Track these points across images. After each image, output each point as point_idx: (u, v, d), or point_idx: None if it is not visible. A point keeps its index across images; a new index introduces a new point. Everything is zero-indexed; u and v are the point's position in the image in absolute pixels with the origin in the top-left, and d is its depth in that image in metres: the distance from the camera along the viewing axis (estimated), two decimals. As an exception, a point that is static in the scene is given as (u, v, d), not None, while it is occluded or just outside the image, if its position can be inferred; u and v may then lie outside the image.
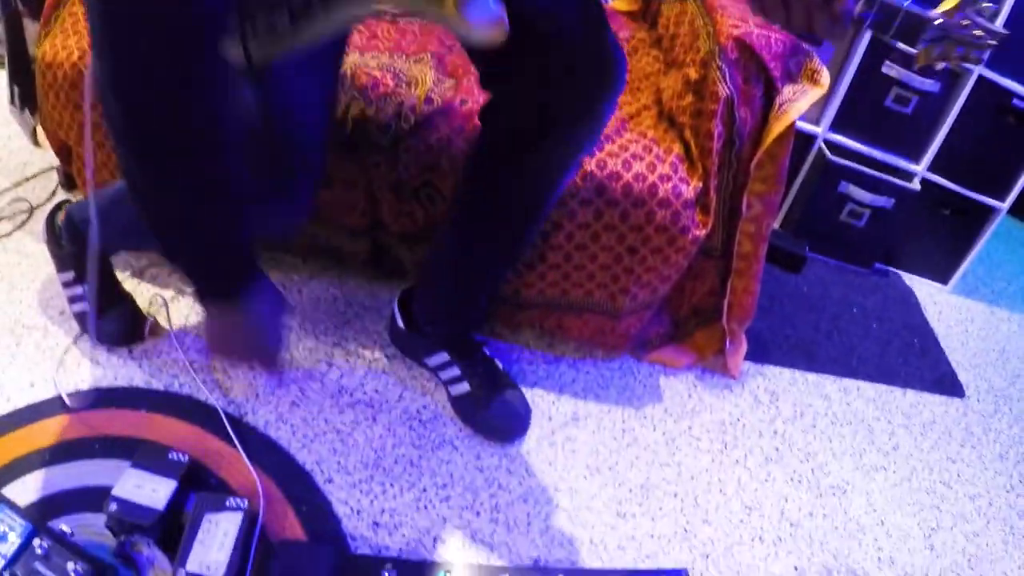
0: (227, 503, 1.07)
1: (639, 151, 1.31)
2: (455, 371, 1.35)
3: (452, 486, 1.25)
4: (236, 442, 1.22)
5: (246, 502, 1.08)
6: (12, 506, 1.03)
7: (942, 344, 1.96)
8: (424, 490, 1.23)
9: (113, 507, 1.04)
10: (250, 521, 1.07)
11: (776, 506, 1.38)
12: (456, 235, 1.27)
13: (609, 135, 1.33)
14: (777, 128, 1.33)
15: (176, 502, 1.08)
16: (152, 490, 1.07)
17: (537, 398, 1.44)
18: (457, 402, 1.36)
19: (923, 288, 2.17)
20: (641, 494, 1.34)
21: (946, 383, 1.82)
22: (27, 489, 1.10)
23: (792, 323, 1.88)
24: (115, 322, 1.32)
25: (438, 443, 1.32)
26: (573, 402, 1.47)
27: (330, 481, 1.20)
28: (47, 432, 1.19)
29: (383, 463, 1.26)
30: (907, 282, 2.19)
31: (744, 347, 1.61)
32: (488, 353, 1.39)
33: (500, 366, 1.39)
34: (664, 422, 1.49)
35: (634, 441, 1.43)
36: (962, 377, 1.86)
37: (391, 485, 1.23)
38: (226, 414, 1.26)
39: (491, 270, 1.30)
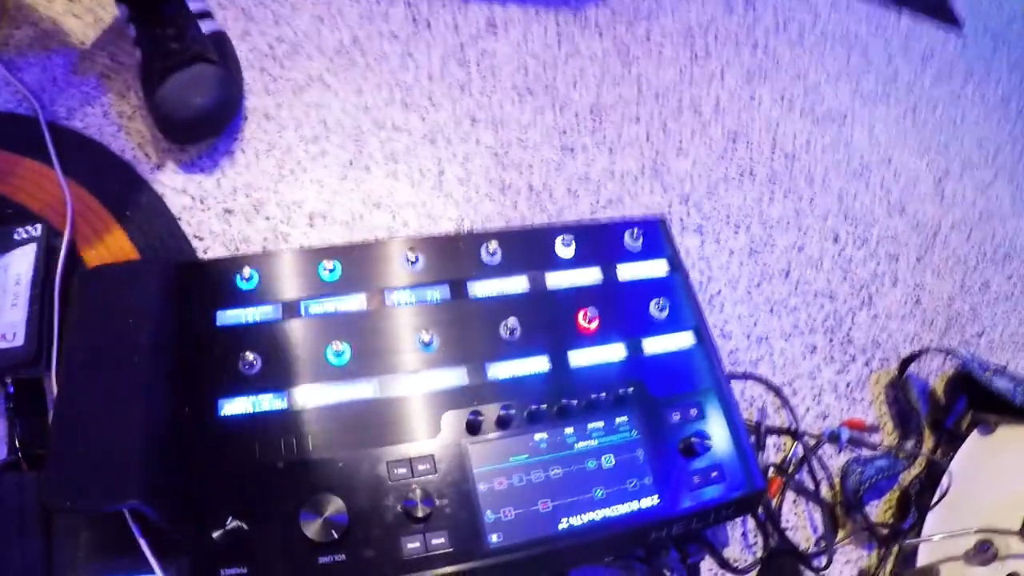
0: (15, 236, 0.71)
1: None
2: (132, 32, 0.86)
3: (327, 136, 0.86)
4: (28, 147, 0.80)
5: (39, 228, 0.72)
6: None
7: (934, -37, 1.61)
8: (288, 150, 0.84)
9: None
10: (50, 251, 0.72)
11: (766, 133, 1.04)
12: None
13: None
14: None
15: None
16: None
17: (434, 5, 1.01)
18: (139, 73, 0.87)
19: None
20: (591, 120, 0.97)
21: (942, 11, 1.55)
22: None
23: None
24: None
25: (302, 82, 0.89)
26: (486, 7, 1.04)
27: (159, 167, 0.81)
28: None
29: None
30: None
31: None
32: (191, 9, 0.87)
33: (202, 30, 0.87)
34: (612, 27, 1.09)
35: (575, 52, 1.04)
36: (958, 10, 1.56)
37: (242, 151, 0.83)
38: (11, 115, 0.84)
39: None
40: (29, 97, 0.84)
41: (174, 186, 0.81)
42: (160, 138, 0.82)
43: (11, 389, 0.69)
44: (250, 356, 0.63)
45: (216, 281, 0.67)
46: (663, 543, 0.69)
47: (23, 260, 0.71)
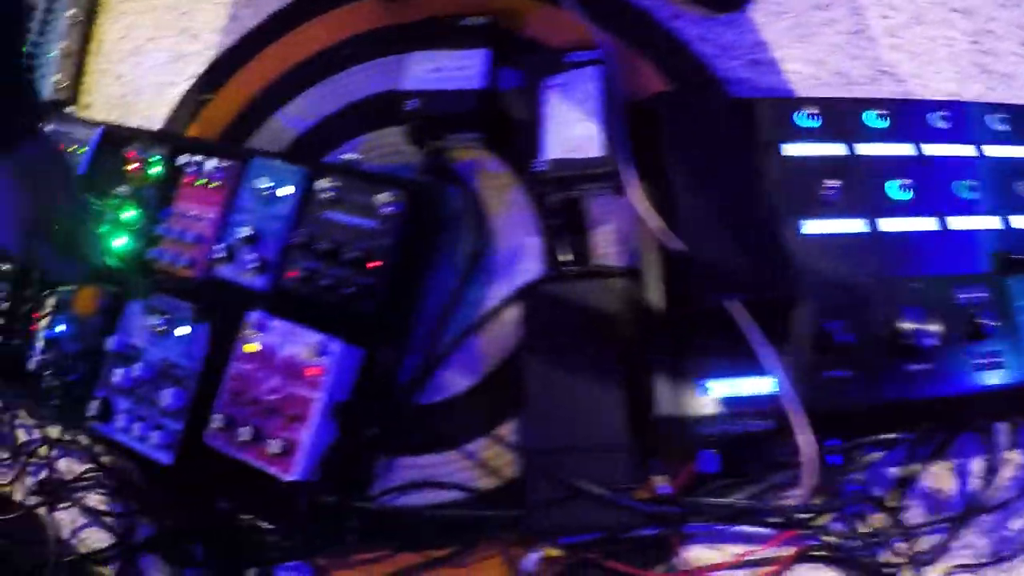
0: (571, 58, 0.81)
1: None
2: None
3: (830, 6, 0.93)
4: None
5: (597, 53, 0.80)
6: (269, 155, 0.81)
7: None
8: (799, 15, 0.92)
9: (415, 104, 0.79)
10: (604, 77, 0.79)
11: None
12: None
13: None
14: None
15: (493, 77, 0.81)
16: (458, 69, 0.81)
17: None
18: None
19: None
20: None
21: None
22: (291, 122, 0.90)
23: None
24: None
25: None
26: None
27: (678, 17, 0.92)
28: (299, 47, 0.95)
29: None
30: None
31: None
32: None
33: None
34: None
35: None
36: None
37: (755, 12, 0.92)
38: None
39: None
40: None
41: (695, 33, 0.90)
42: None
43: (559, 206, 0.79)
44: (829, 183, 0.73)
45: (779, 117, 0.77)
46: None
47: (586, 81, 0.79)
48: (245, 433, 0.72)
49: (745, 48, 0.90)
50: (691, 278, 0.68)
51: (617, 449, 0.69)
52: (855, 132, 0.78)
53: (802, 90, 0.88)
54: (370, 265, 0.74)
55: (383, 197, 0.74)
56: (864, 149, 0.77)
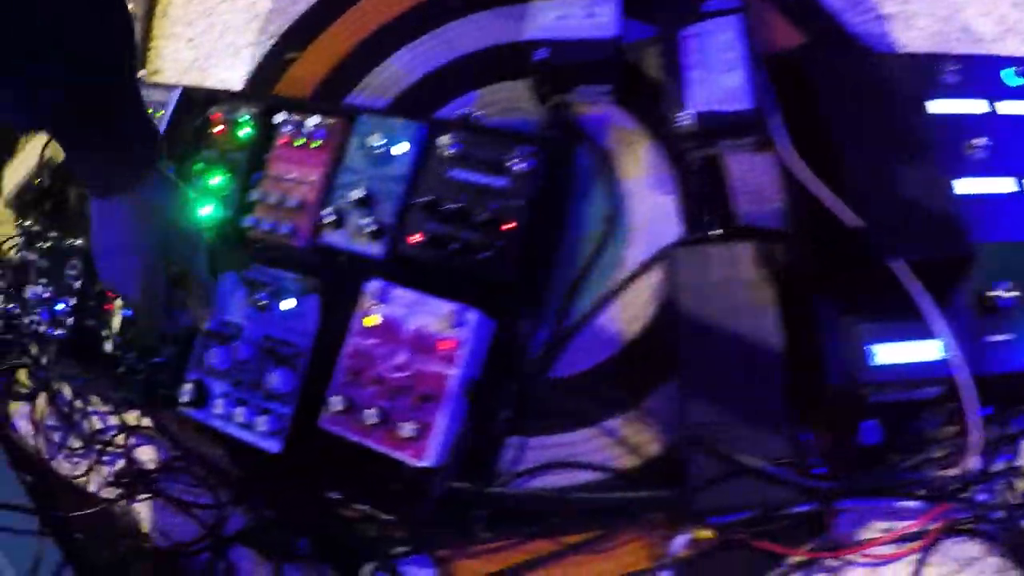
0: (709, 7, 0.74)
1: None
2: None
3: None
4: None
5: (738, 1, 0.73)
6: (377, 112, 0.76)
7: None
8: None
9: (543, 54, 0.72)
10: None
11: None
12: None
13: None
14: None
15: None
16: (588, 16, 0.73)
17: None
18: None
19: None
20: None
21: None
22: (392, 78, 0.84)
23: None
24: None
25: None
26: None
27: None
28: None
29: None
30: None
31: None
32: None
33: None
34: None
35: None
36: None
37: None
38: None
39: None
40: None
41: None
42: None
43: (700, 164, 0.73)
44: (977, 142, 0.68)
45: (923, 74, 0.72)
46: None
47: (726, 30, 0.73)
48: (371, 416, 0.66)
49: (873, 2, 0.85)
50: (859, 241, 0.62)
51: (777, 422, 0.64)
52: (995, 90, 0.73)
53: (929, 46, 0.83)
54: (504, 227, 0.67)
55: (516, 153, 0.68)
56: (1004, 107, 0.73)
